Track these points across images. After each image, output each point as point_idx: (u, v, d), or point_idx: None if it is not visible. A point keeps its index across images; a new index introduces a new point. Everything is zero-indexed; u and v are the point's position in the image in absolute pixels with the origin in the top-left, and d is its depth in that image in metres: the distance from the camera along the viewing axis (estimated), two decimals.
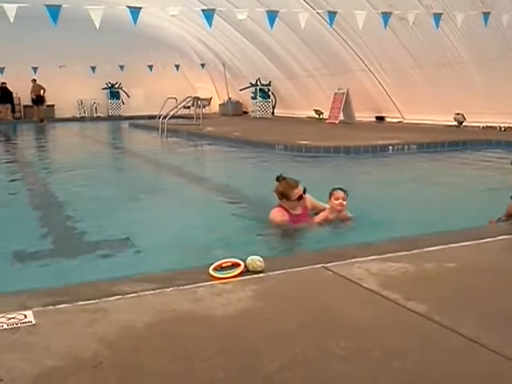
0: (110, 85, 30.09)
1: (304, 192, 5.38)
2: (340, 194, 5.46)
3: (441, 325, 2.60)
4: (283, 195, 5.34)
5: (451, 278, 3.31)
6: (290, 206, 5.38)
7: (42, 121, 26.15)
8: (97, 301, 2.91)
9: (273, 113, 25.91)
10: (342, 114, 19.97)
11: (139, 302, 2.92)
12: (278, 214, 5.37)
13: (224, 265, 3.37)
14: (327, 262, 3.50)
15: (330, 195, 5.51)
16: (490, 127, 15.09)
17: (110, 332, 2.55)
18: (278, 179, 5.37)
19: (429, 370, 2.22)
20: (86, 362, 2.27)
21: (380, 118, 19.91)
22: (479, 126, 15.44)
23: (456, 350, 2.39)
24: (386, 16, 12.26)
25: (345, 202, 5.45)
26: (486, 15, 12.47)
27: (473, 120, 15.68)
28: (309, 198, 5.55)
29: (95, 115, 29.83)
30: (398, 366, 2.25)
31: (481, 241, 4.08)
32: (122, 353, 2.38)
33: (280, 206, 5.41)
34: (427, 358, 2.31)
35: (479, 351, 2.36)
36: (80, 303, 2.88)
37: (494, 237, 4.18)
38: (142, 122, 23.31)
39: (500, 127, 14.79)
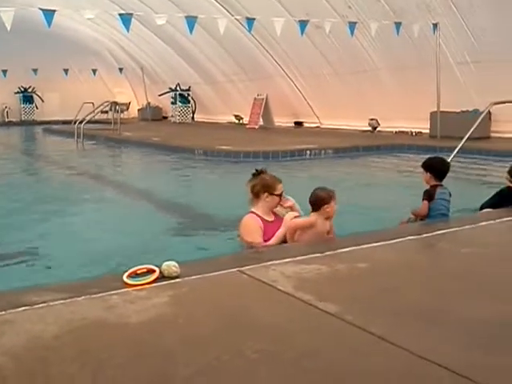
0: (22, 89, 29.00)
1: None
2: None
3: (352, 324, 2.67)
4: (267, 187, 4.74)
5: (363, 278, 3.41)
6: (269, 206, 4.79)
7: None
8: (3, 312, 2.79)
9: (193, 118, 25.83)
10: (261, 120, 20.19)
11: (48, 311, 2.83)
12: (252, 221, 4.74)
13: (139, 271, 3.31)
14: (243, 266, 3.52)
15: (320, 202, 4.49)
16: (402, 132, 15.72)
17: (17, 344, 2.45)
18: (259, 173, 4.86)
19: (340, 369, 2.27)
20: None
21: (298, 123, 20.27)
22: (392, 131, 16.05)
23: (366, 348, 2.46)
24: (303, 24, 12.54)
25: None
26: (398, 25, 13.01)
27: (386, 125, 16.28)
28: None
29: (6, 120, 28.63)
30: (310, 365, 2.29)
31: (392, 241, 4.22)
32: (30, 364, 2.29)
33: (251, 212, 4.83)
34: (339, 357, 2.36)
35: (388, 348, 2.43)
36: None
37: (404, 237, 4.34)
38: (57, 127, 22.62)
39: (411, 132, 15.44)
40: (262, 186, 4.77)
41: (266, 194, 4.76)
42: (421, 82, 14.56)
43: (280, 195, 4.79)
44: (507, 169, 5.65)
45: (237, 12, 15.86)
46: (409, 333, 2.58)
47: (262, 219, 4.76)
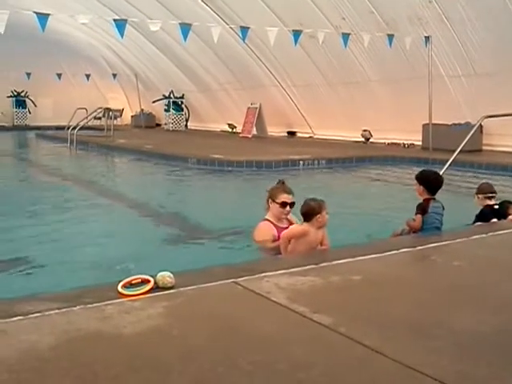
0: (15, 93, 28.91)
1: (291, 205, 5.10)
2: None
3: (345, 336, 2.68)
4: (271, 195, 5.18)
5: (357, 290, 3.43)
6: (273, 213, 5.14)
7: None
8: None
9: (186, 126, 25.83)
10: (254, 129, 20.23)
11: (43, 321, 2.81)
12: (265, 227, 5.11)
13: (133, 281, 3.31)
14: (237, 277, 3.52)
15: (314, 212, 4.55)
16: (395, 144, 15.79)
17: (11, 355, 2.43)
18: (277, 183, 5.34)
19: (333, 381, 2.28)
20: None
21: (291, 133, 20.33)
22: (384, 143, 16.11)
23: (359, 360, 2.47)
24: (297, 34, 12.59)
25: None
26: (391, 37, 13.10)
27: (379, 136, 16.35)
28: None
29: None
30: (303, 377, 2.29)
31: (385, 253, 4.25)
32: (24, 376, 2.27)
33: (266, 220, 5.18)
34: (332, 370, 2.37)
35: (381, 361, 2.44)
36: None
37: (398, 249, 4.36)
38: (50, 132, 22.54)
39: (404, 144, 15.51)
40: (269, 194, 5.23)
41: (270, 200, 5.19)
42: (413, 94, 14.64)
43: (283, 204, 5.10)
44: (475, 191, 5.75)
45: (231, 21, 15.93)
46: (401, 345, 2.60)
47: (275, 225, 5.12)
